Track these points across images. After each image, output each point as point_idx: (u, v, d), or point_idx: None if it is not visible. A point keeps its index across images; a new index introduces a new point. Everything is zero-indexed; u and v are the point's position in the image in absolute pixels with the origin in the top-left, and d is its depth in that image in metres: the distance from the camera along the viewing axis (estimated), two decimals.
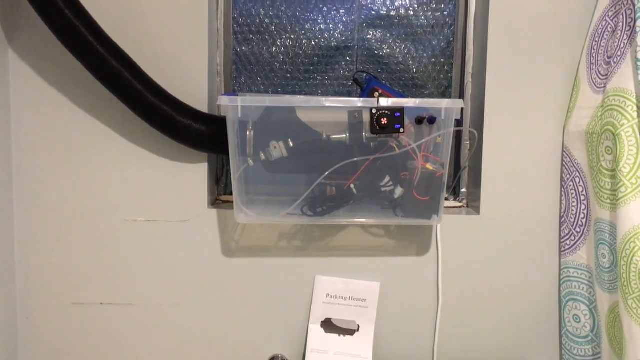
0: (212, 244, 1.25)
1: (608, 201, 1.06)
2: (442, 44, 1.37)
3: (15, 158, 1.23)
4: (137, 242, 1.25)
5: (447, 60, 1.37)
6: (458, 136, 1.36)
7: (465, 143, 1.34)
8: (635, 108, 0.99)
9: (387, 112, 1.07)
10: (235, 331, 1.27)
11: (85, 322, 1.27)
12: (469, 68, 1.32)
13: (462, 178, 1.36)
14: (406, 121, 1.10)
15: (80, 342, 1.27)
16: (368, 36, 1.37)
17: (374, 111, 1.07)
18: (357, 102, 1.10)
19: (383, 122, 1.07)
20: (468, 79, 1.32)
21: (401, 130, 1.08)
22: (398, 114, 1.08)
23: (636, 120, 0.99)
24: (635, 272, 0.97)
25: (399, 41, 1.37)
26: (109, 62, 1.10)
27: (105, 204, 1.24)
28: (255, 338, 1.28)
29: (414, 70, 1.38)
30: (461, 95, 1.34)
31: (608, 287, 1.08)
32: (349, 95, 1.38)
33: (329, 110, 1.12)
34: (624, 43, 1.03)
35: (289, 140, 1.11)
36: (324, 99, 1.10)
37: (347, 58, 1.37)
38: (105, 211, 1.24)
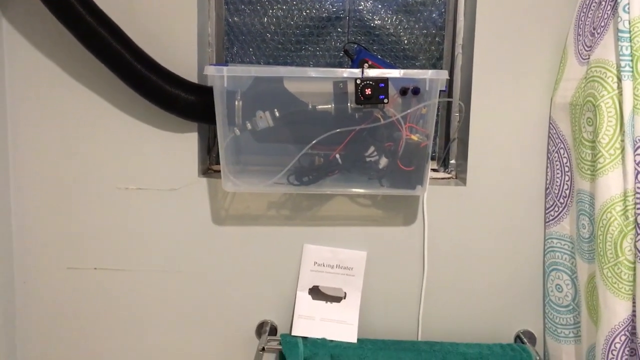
0: (203, 212, 1.28)
1: (588, 172, 1.06)
2: (434, 15, 1.36)
3: (11, 127, 1.26)
4: (129, 209, 1.28)
5: (439, 31, 1.37)
6: (449, 108, 1.37)
7: (455, 115, 1.35)
8: (615, 79, 0.99)
9: (371, 82, 1.08)
10: (224, 297, 1.31)
11: (80, 286, 1.31)
12: (460, 40, 1.32)
13: (452, 149, 1.37)
14: (392, 92, 1.11)
15: (76, 305, 1.31)
16: (359, 7, 1.37)
17: (358, 82, 1.08)
18: (342, 72, 1.11)
19: (367, 93, 1.08)
20: (458, 50, 1.33)
21: (385, 100, 1.09)
22: (382, 85, 1.09)
23: (616, 92, 0.99)
24: (610, 241, 0.99)
25: (390, 12, 1.37)
26: (98, 32, 1.11)
27: (98, 172, 1.27)
28: (244, 304, 1.31)
29: (406, 41, 1.38)
30: (452, 67, 1.35)
31: (587, 257, 1.09)
32: (340, 66, 1.38)
33: (315, 81, 1.13)
34: (607, 14, 1.03)
35: (275, 110, 1.13)
36: (308, 69, 1.11)
37: (339, 29, 1.38)
38: (98, 179, 1.27)
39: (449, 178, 1.36)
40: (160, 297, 1.31)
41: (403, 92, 1.11)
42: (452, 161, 1.37)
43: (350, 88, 1.10)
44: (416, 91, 1.11)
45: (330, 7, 1.36)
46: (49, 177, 1.28)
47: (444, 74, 1.10)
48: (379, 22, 1.37)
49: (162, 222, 1.28)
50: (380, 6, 1.37)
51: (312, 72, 1.11)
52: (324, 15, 1.37)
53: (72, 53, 1.22)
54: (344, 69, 1.11)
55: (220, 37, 1.36)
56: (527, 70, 1.23)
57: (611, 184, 0.99)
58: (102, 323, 1.32)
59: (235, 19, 1.37)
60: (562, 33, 1.21)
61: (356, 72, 1.09)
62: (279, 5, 1.36)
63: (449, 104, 1.36)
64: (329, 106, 1.13)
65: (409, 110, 1.12)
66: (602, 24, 1.04)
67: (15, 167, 1.28)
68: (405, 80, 1.11)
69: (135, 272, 1.30)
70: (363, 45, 1.35)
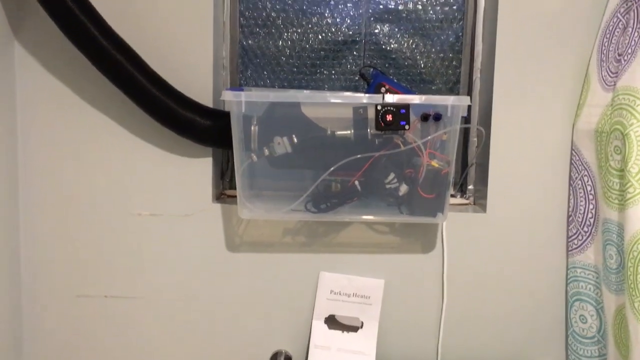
0: (216, 239, 1.25)
1: (616, 201, 1.04)
2: (451, 39, 1.35)
3: (21, 151, 1.24)
4: (141, 235, 1.25)
5: (456, 55, 1.35)
6: (466, 132, 1.34)
7: (473, 140, 1.33)
8: None
9: (392, 108, 1.06)
10: (238, 326, 1.27)
11: (89, 314, 1.27)
12: (478, 64, 1.30)
13: (470, 175, 1.34)
14: (412, 117, 1.08)
15: (85, 334, 1.28)
16: (376, 30, 1.35)
17: (379, 107, 1.06)
18: (362, 98, 1.09)
19: (388, 119, 1.06)
20: (476, 74, 1.31)
21: (406, 127, 1.07)
22: (403, 111, 1.06)
23: None
24: None
25: (407, 36, 1.35)
26: (112, 56, 1.09)
27: (110, 198, 1.24)
28: (258, 333, 1.28)
29: (422, 65, 1.36)
30: (470, 91, 1.33)
31: (615, 289, 1.06)
32: (356, 90, 1.36)
33: (334, 106, 1.11)
34: (634, 40, 1.01)
35: (293, 136, 1.10)
36: (328, 94, 1.09)
37: (355, 52, 1.36)
38: (110, 205, 1.25)
39: (467, 204, 1.34)
40: (173, 326, 1.28)
41: (424, 118, 1.09)
42: (470, 187, 1.34)
43: (371, 114, 1.08)
44: (437, 117, 1.08)
45: (346, 30, 1.35)
46: (60, 202, 1.25)
47: (466, 100, 1.08)
48: (395, 45, 1.35)
49: (175, 249, 1.25)
50: (396, 29, 1.35)
51: (332, 97, 1.09)
52: (339, 38, 1.35)
53: (84, 77, 1.20)
54: (363, 95, 1.09)
55: (234, 60, 1.34)
56: (548, 95, 1.21)
57: None
58: (112, 352, 1.28)
59: (250, 41, 1.35)
60: (584, 58, 1.19)
61: (377, 97, 1.07)
62: (294, 29, 1.35)
63: (466, 128, 1.33)
64: (349, 132, 1.11)
65: (430, 137, 1.09)
66: (629, 50, 1.02)
67: (25, 192, 1.25)
68: (427, 106, 1.08)
69: (146, 300, 1.27)
70: (379, 68, 1.33)
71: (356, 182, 1.13)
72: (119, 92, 1.14)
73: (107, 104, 1.22)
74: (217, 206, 1.25)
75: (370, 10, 1.34)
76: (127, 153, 1.23)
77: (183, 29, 1.20)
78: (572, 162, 1.20)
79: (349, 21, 1.34)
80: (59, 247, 1.26)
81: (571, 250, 1.21)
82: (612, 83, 1.07)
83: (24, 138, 1.23)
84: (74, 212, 1.25)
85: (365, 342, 1.25)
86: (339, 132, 1.11)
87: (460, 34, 1.34)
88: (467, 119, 1.31)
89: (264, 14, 1.34)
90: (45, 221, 1.25)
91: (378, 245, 1.25)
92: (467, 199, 1.34)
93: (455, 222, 1.24)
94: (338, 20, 1.34)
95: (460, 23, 1.34)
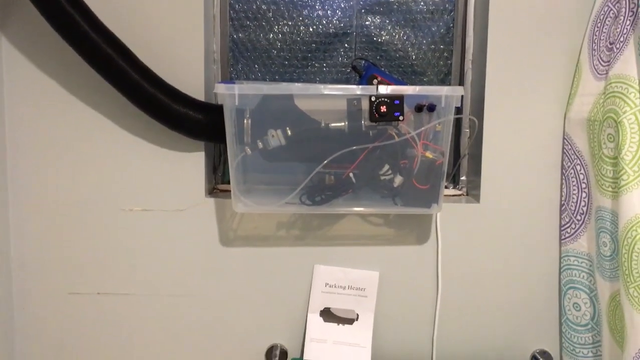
0: (210, 233, 1.24)
1: (609, 189, 1.05)
2: (442, 30, 1.35)
3: (10, 147, 1.22)
4: (133, 231, 1.24)
5: (447, 46, 1.35)
6: (458, 123, 1.35)
7: (465, 130, 1.33)
8: (637, 95, 0.98)
9: (386, 99, 1.06)
10: (233, 321, 1.27)
11: (82, 312, 1.26)
12: (469, 55, 1.31)
13: (462, 166, 1.35)
14: (406, 109, 1.08)
15: (77, 332, 1.27)
16: (367, 22, 1.35)
17: (373, 99, 1.06)
18: (356, 89, 1.08)
19: (382, 110, 1.06)
20: (468, 65, 1.31)
21: (400, 118, 1.06)
22: (397, 102, 1.06)
23: (639, 107, 0.97)
24: (637, 260, 0.96)
25: (398, 27, 1.35)
26: (103, 50, 1.08)
27: (101, 194, 1.23)
28: (253, 327, 1.27)
29: (413, 56, 1.36)
30: (461, 82, 1.33)
31: (609, 276, 1.07)
32: (348, 82, 1.36)
33: (328, 98, 1.11)
34: (626, 29, 1.02)
35: (287, 128, 1.09)
36: (322, 86, 1.08)
37: (346, 45, 1.35)
38: (101, 201, 1.23)
39: (459, 195, 1.34)
40: (167, 322, 1.27)
41: (418, 109, 1.08)
42: (463, 177, 1.35)
43: (365, 105, 1.08)
44: (432, 108, 1.08)
45: (337, 22, 1.34)
46: (50, 199, 1.23)
47: (459, 90, 1.08)
48: (387, 37, 1.35)
49: (168, 244, 1.24)
50: (387, 21, 1.35)
51: (326, 89, 1.08)
52: (330, 31, 1.34)
53: (74, 71, 1.19)
54: (358, 86, 1.08)
55: (225, 53, 1.33)
56: (540, 85, 1.21)
57: (635, 202, 0.97)
58: (106, 350, 1.27)
59: (240, 35, 1.34)
60: (574, 48, 1.19)
61: (371, 88, 1.06)
62: (284, 21, 1.34)
63: (458, 119, 1.34)
64: (343, 124, 1.10)
65: (424, 128, 1.09)
66: (622, 39, 1.02)
67: (14, 188, 1.23)
68: (421, 97, 1.08)
69: (140, 297, 1.26)
70: (371, 60, 1.33)
71: (351, 174, 1.12)
72: (109, 87, 1.13)
73: (97, 99, 1.21)
74: (210, 201, 1.24)
75: (361, 2, 1.34)
76: (119, 148, 1.22)
77: (174, 23, 1.19)
78: (565, 151, 1.20)
79: (339, 13, 1.34)
80: (50, 244, 1.24)
81: (564, 239, 1.21)
82: (604, 72, 1.08)
83: (12, 134, 1.22)
84: (65, 208, 1.23)
85: (361, 334, 1.25)
86: (333, 124, 1.11)
87: (451, 25, 1.34)
88: (459, 110, 1.32)
89: (254, 7, 1.33)
90: (36, 218, 1.24)
91: (373, 237, 1.25)
92: (460, 190, 1.35)
93: (448, 213, 1.24)
94: (329, 12, 1.34)
95: (451, 14, 1.34)
